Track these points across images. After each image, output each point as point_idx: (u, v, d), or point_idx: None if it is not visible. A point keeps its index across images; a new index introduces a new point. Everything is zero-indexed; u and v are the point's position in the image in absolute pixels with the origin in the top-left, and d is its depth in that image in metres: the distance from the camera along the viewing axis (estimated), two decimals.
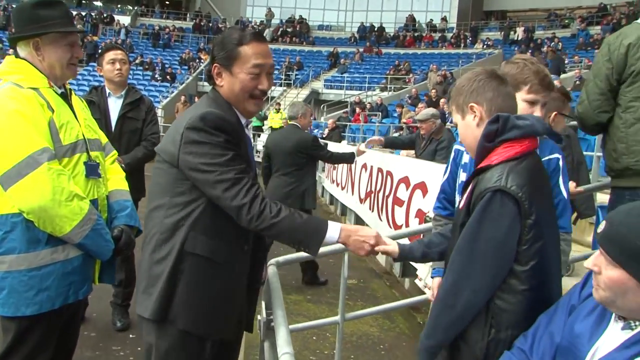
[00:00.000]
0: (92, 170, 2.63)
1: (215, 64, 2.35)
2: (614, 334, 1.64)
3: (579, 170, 4.80)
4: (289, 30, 38.97)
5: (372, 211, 7.95)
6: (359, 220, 9.14)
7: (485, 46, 33.61)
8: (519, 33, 33.19)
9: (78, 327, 2.92)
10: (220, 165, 2.17)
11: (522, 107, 2.46)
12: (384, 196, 7.27)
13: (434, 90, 20.84)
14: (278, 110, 24.58)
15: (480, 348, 1.95)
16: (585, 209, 4.77)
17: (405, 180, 6.40)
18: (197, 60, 34.42)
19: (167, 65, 33.52)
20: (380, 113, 22.72)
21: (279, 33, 38.58)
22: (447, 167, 3.07)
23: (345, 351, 4.58)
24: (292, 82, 31.99)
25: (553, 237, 2.04)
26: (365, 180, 8.61)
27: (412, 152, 7.64)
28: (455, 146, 3.05)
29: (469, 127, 2.15)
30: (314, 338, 5.02)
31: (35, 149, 2.36)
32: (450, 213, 3.04)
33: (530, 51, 27.58)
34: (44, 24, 2.55)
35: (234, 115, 2.34)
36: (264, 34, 37.68)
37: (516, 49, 29.19)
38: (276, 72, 31.63)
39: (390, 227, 6.73)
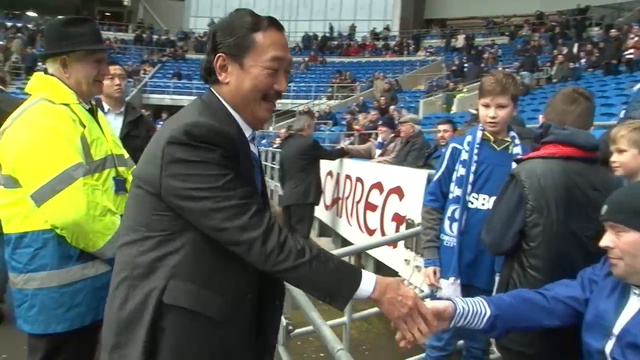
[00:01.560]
0: (120, 186, 2.67)
1: (220, 54, 1.84)
2: (635, 305, 1.94)
3: None
4: None
5: (340, 217, 8.17)
6: (322, 226, 9.41)
7: (427, 53, 34.36)
8: (460, 40, 34.03)
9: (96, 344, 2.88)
10: (219, 189, 1.70)
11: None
12: (354, 202, 7.51)
13: (382, 98, 21.20)
14: None
15: None
16: None
17: (377, 185, 6.64)
18: (141, 73, 33.96)
19: None
20: (330, 121, 22.95)
21: None
22: (441, 164, 3.47)
23: (328, 353, 4.69)
24: None
25: (563, 233, 2.40)
26: (331, 187, 8.81)
27: (383, 158, 7.96)
28: (452, 144, 3.44)
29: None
30: (299, 343, 5.08)
31: (70, 164, 2.39)
32: (442, 205, 3.43)
33: (466, 57, 28.43)
34: (72, 41, 2.59)
35: (234, 125, 1.85)
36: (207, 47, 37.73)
37: (457, 56, 29.94)
38: None
39: (363, 232, 6.99)
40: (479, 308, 2.10)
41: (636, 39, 17.62)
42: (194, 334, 1.78)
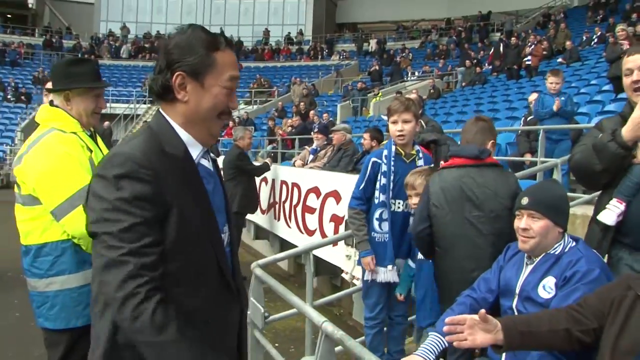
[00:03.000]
0: None
1: (179, 72, 1.79)
2: (527, 271, 2.81)
3: None
4: (146, 46, 38.42)
5: (278, 220, 8.75)
6: (259, 229, 9.94)
7: (341, 57, 35.25)
8: (372, 45, 35.10)
9: None
10: (108, 235, 1.66)
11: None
12: (291, 206, 8.10)
13: (302, 103, 21.71)
14: None
15: None
16: None
17: (315, 190, 7.29)
18: None
19: (20, 85, 32.02)
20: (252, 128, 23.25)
21: (137, 49, 37.96)
22: (363, 174, 4.28)
23: (283, 344, 5.24)
24: None
25: (457, 220, 3.32)
26: (266, 193, 9.37)
27: (314, 164, 8.57)
28: (373, 159, 4.24)
29: None
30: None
31: (85, 184, 2.76)
32: (367, 208, 4.28)
33: (376, 60, 29.48)
34: (75, 79, 3.04)
35: (180, 147, 1.83)
36: (122, 51, 37.35)
37: (373, 60, 30.92)
38: (139, 89, 31.29)
39: (302, 233, 7.62)
40: (439, 346, 2.68)
41: (533, 46, 18.96)
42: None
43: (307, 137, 12.83)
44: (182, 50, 1.79)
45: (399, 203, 4.17)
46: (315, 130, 10.12)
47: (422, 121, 7.47)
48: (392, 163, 4.13)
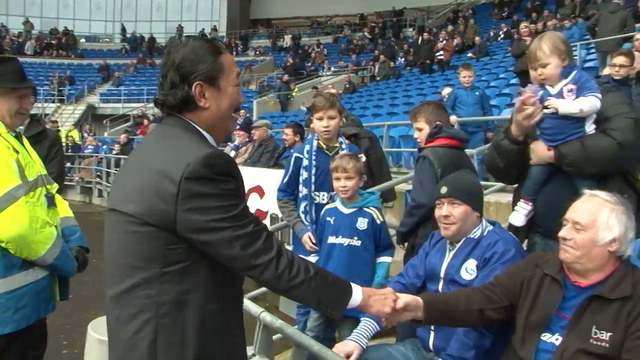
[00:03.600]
0: (50, 201, 3.00)
1: (197, 82, 1.92)
2: (449, 255, 2.97)
3: (381, 164, 5.95)
4: (53, 42, 36.94)
5: None
6: None
7: (257, 53, 35.13)
8: (287, 40, 35.16)
9: (46, 336, 3.21)
10: (236, 217, 1.84)
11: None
12: None
13: None
14: (57, 129, 23.52)
15: None
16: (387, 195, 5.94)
17: None
18: None
19: None
20: None
21: (44, 45, 36.41)
22: (287, 169, 4.37)
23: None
24: (65, 97, 30.56)
25: None
26: None
27: (239, 159, 8.55)
28: (295, 154, 4.32)
29: None
30: None
31: (11, 186, 2.71)
32: (293, 198, 4.34)
33: (290, 56, 29.56)
34: None
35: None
36: (26, 47, 35.69)
37: (285, 55, 30.99)
38: (47, 88, 30.11)
39: None
40: (371, 330, 2.89)
41: (444, 42, 19.59)
42: (230, 348, 1.97)
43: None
44: (192, 61, 1.93)
45: (322, 195, 4.23)
46: (237, 127, 10.09)
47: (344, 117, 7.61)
48: (314, 157, 4.20)
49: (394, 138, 10.53)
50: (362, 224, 3.74)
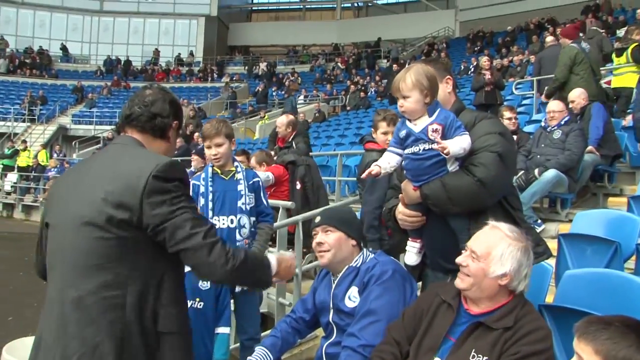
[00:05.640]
0: None
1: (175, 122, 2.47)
2: (334, 285, 3.09)
3: (318, 192, 6.02)
4: (27, 61, 36.72)
5: None
6: None
7: (232, 79, 35.22)
8: (262, 67, 35.33)
9: None
10: (189, 209, 2.15)
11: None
12: None
13: (190, 125, 21.48)
14: (25, 149, 23.39)
15: None
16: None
17: None
18: None
19: None
20: None
21: (17, 64, 36.15)
22: None
23: None
24: (36, 117, 30.22)
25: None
26: None
27: None
28: (193, 181, 4.21)
29: None
30: None
31: None
32: None
33: (262, 83, 29.72)
34: None
35: None
36: None
37: (260, 82, 31.10)
38: (18, 107, 29.90)
39: None
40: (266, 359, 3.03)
41: None
42: (182, 353, 2.17)
43: (188, 158, 12.67)
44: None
45: (222, 219, 4.18)
46: (193, 152, 9.98)
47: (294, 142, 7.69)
48: (210, 183, 4.22)
49: (350, 167, 10.60)
50: (204, 283, 3.52)
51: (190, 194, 2.27)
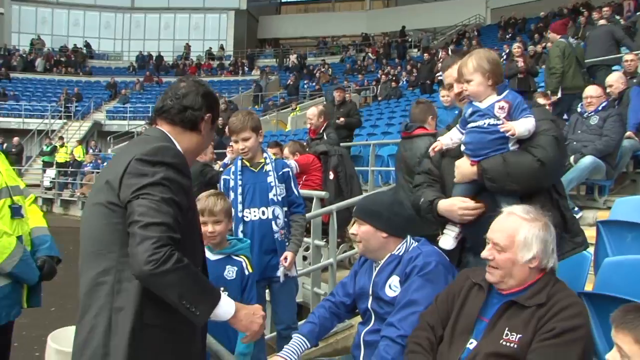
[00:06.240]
0: (16, 212, 3.13)
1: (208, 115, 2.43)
2: (375, 272, 3.03)
3: (351, 182, 6.01)
4: (63, 59, 37.37)
5: None
6: None
7: (263, 72, 35.27)
8: (293, 60, 35.34)
9: (10, 345, 3.32)
10: (160, 199, 2.06)
11: None
12: None
13: (220, 119, 21.58)
14: (62, 145, 23.85)
15: None
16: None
17: None
18: None
19: None
20: None
21: (53, 62, 36.81)
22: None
23: None
24: (72, 114, 30.79)
25: None
26: None
27: None
28: (223, 176, 4.40)
29: None
30: None
31: None
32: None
33: (293, 75, 29.66)
34: None
35: None
36: (36, 64, 35.97)
37: (291, 74, 31.10)
38: (55, 104, 30.44)
39: None
40: (301, 347, 2.97)
41: None
42: (170, 345, 2.14)
43: (222, 151, 12.74)
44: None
45: (254, 211, 4.20)
46: (229, 144, 9.95)
47: (325, 133, 7.69)
48: (240, 176, 4.24)
49: (383, 157, 10.56)
50: (230, 272, 3.38)
51: (186, 182, 2.18)
